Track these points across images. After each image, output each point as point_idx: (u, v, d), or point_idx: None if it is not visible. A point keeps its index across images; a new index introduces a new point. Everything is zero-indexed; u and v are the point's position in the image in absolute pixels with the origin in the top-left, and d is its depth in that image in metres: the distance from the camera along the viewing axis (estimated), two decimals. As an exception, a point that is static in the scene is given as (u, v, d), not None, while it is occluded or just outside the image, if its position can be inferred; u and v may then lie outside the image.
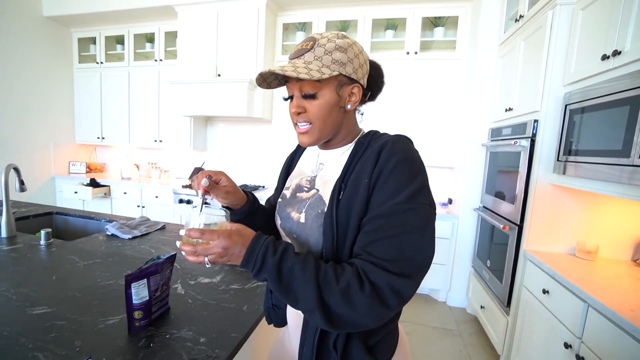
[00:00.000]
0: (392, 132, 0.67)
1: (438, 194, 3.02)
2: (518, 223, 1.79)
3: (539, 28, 1.74)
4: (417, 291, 2.81)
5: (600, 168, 1.27)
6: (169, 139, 3.47)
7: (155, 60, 3.42)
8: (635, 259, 1.55)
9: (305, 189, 0.70)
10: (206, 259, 0.54)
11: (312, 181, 0.70)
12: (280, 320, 0.79)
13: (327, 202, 0.63)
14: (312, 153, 0.76)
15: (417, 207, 0.55)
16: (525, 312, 1.67)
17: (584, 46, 1.47)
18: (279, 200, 0.75)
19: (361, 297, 0.51)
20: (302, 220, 0.66)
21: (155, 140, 3.53)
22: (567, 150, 1.50)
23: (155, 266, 0.78)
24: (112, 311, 0.84)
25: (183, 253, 0.56)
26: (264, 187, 3.34)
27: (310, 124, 0.63)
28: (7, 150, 3.21)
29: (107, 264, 1.16)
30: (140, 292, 0.75)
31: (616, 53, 1.22)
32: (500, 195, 2.08)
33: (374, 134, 0.67)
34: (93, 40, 3.72)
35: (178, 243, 0.58)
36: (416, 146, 0.64)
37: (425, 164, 0.61)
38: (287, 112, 0.68)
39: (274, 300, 0.79)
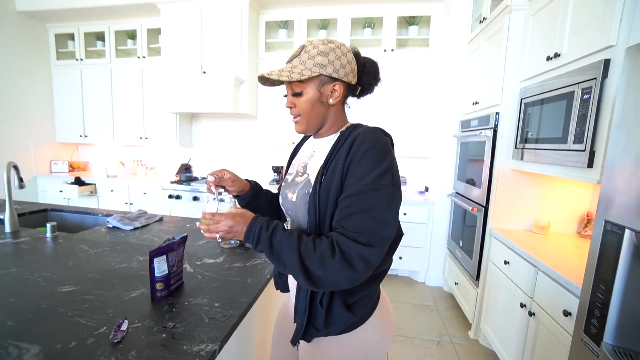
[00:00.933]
0: (371, 125, 0.80)
1: (415, 183, 3.21)
2: (484, 205, 2.01)
3: (498, 30, 1.94)
4: (398, 274, 3.07)
5: (548, 153, 1.48)
6: (154, 136, 3.50)
7: (138, 57, 3.42)
8: (579, 232, 1.81)
9: (300, 173, 0.84)
10: (217, 235, 0.71)
11: (305, 167, 0.84)
12: (284, 286, 0.95)
13: (312, 184, 0.77)
14: (309, 142, 0.90)
15: (382, 187, 0.66)
16: (491, 283, 1.90)
17: (534, 47, 1.68)
18: (283, 183, 0.90)
19: (333, 262, 0.63)
20: (294, 200, 0.81)
21: (141, 138, 3.54)
22: (524, 138, 1.72)
23: (172, 244, 0.91)
24: (132, 287, 0.97)
25: (201, 231, 0.74)
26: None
27: (300, 116, 0.78)
28: (-14, 150, 3.15)
29: (116, 250, 1.27)
30: (161, 266, 0.88)
31: (557, 55, 1.43)
32: (470, 182, 2.29)
33: (354, 127, 0.79)
34: (71, 37, 3.65)
35: (197, 223, 0.76)
36: (394, 138, 0.78)
37: (403, 155, 0.77)
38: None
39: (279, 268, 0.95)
